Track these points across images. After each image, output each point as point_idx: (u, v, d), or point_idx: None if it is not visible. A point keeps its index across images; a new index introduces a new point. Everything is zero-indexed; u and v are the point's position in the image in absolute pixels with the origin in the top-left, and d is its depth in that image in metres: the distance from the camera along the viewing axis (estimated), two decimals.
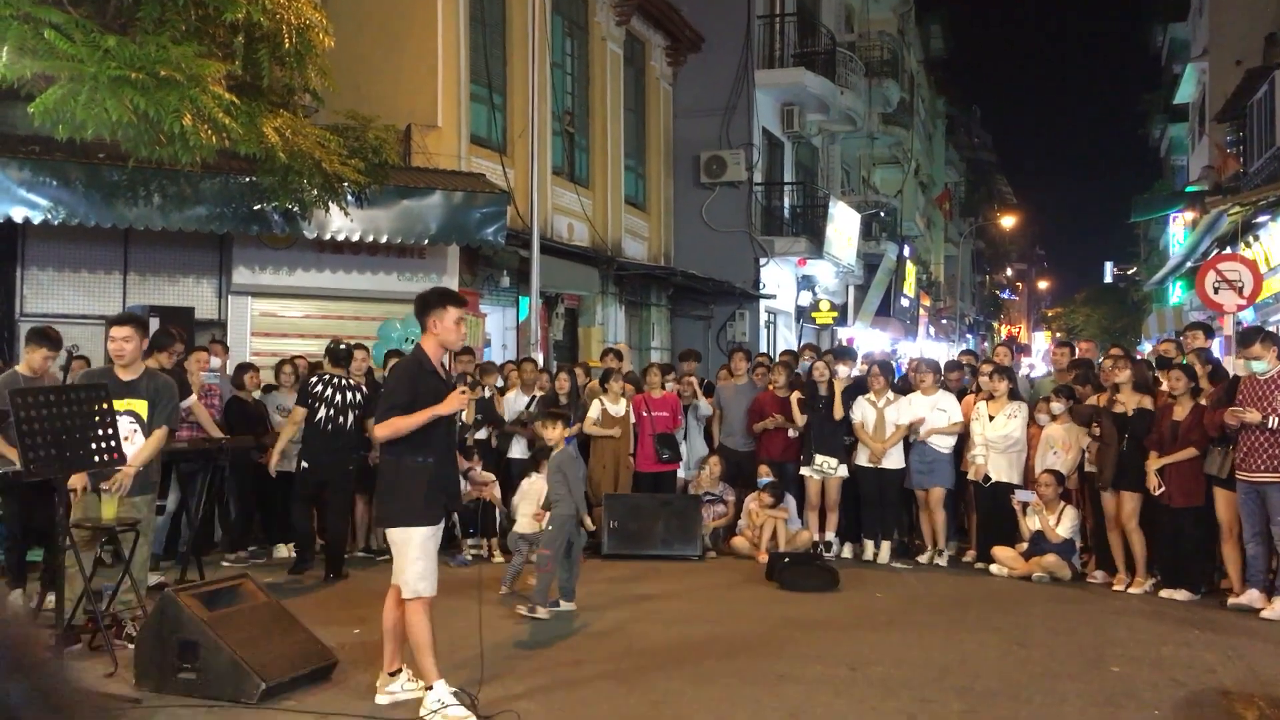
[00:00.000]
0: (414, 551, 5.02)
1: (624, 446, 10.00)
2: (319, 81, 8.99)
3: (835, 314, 23.72)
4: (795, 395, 9.85)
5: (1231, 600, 7.60)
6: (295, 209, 9.93)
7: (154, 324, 8.21)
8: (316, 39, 8.62)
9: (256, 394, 9.51)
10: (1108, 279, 56.79)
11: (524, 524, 8.07)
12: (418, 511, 5.04)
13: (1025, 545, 8.78)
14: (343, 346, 8.85)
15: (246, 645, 5.23)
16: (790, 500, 9.73)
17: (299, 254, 11.49)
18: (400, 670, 5.31)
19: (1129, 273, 49.97)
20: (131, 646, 5.66)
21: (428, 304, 5.30)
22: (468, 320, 12.54)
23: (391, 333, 11.59)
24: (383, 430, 5.08)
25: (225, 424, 9.00)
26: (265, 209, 10.17)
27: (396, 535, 5.09)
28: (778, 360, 11.23)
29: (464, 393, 5.24)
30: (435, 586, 5.09)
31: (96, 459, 4.94)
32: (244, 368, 9.40)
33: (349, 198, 9.96)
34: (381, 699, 5.21)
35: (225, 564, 8.68)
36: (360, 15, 11.87)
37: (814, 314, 23.27)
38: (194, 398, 8.36)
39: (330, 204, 9.67)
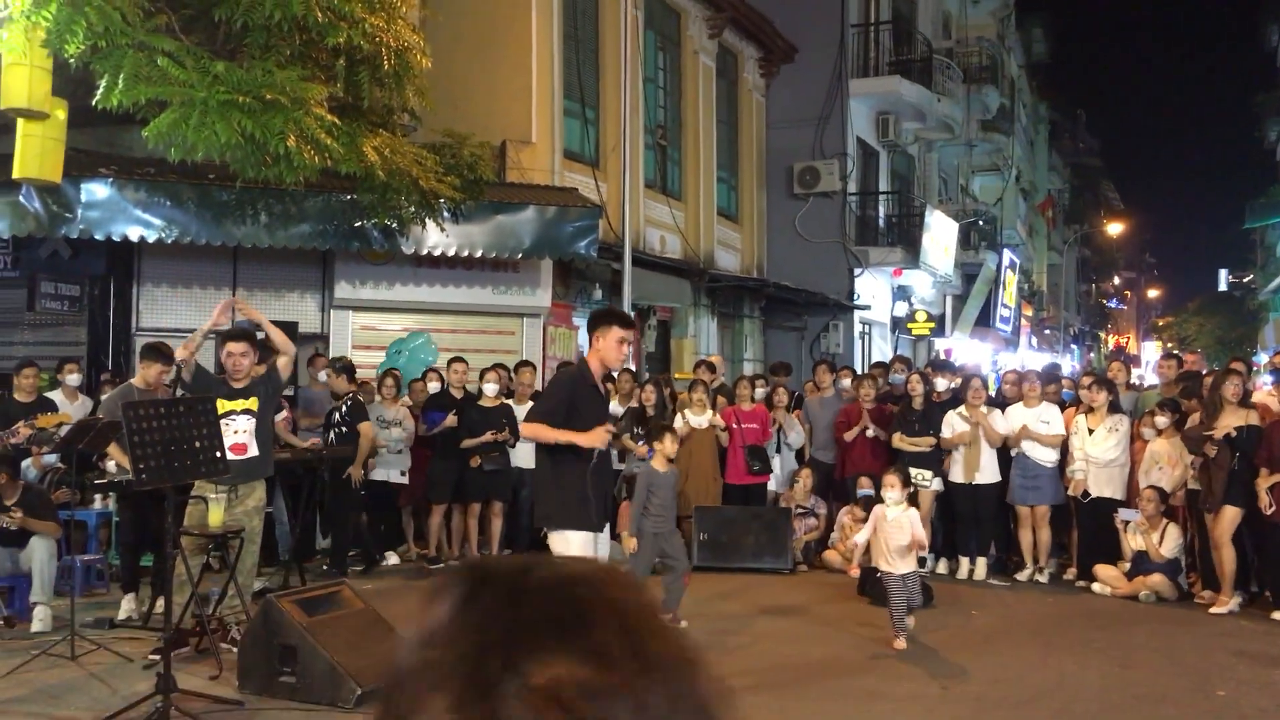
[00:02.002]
0: (574, 552, 5.10)
1: (710, 459, 10.00)
2: (417, 101, 9.23)
3: (932, 325, 23.31)
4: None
5: None
6: (394, 225, 10.20)
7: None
8: (414, 60, 8.85)
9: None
10: (1222, 287, 54.60)
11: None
12: (573, 515, 5.19)
13: (1128, 564, 8.51)
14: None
15: (343, 651, 5.38)
16: None
17: (397, 269, 11.78)
18: None
19: (1245, 280, 47.97)
20: (236, 651, 5.87)
21: (596, 320, 5.51)
22: (563, 333, 12.76)
23: (397, 349, 11.78)
24: (526, 430, 5.37)
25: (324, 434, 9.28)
26: (365, 226, 10.47)
27: (554, 538, 5.26)
28: (866, 373, 11.10)
29: (611, 429, 5.35)
30: None
31: (204, 469, 5.15)
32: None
33: (445, 214, 10.18)
34: None
35: (325, 571, 8.92)
36: (456, 35, 12.13)
37: (910, 325, 22.91)
38: (284, 414, 8.62)
39: (427, 220, 9.91)
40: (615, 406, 10.27)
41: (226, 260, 11.06)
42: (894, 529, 6.73)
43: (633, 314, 13.43)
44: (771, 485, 10.21)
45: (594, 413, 5.33)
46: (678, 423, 10.00)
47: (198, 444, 5.09)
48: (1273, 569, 7.93)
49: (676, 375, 12.02)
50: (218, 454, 5.22)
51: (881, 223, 21.49)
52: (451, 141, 10.26)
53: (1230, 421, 8.00)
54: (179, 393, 6.80)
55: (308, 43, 8.06)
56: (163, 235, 9.97)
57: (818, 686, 5.83)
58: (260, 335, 7.11)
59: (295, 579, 8.08)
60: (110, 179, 9.81)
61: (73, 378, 9.18)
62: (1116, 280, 71.19)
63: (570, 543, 5.13)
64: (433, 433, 9.46)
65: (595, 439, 5.18)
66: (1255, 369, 16.36)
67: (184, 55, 7.40)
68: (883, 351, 21.52)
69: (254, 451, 6.59)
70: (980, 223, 27.87)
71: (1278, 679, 6.09)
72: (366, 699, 5.26)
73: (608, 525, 5.53)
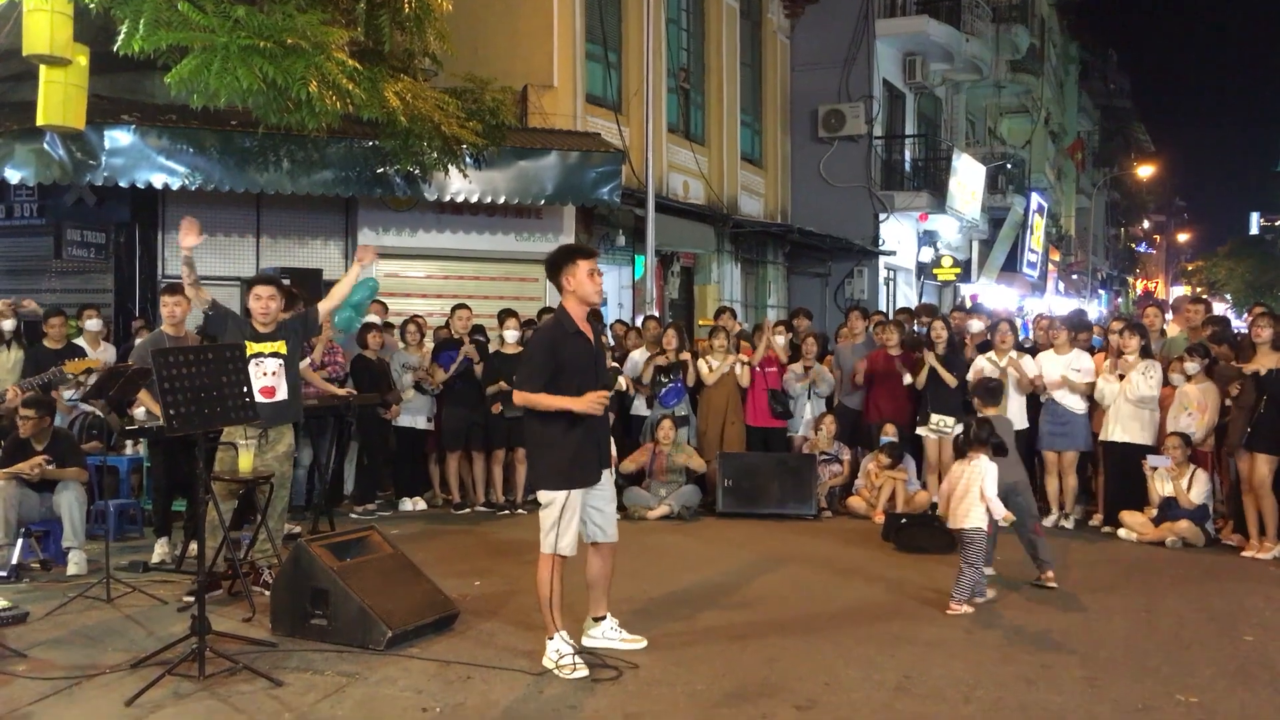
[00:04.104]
0: (556, 513, 5.10)
1: (732, 403, 10.00)
2: (438, 45, 9.15)
3: (958, 270, 23.12)
4: (930, 354, 9.52)
5: None
6: (416, 172, 10.17)
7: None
8: (435, 3, 8.77)
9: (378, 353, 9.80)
10: (1253, 230, 53.85)
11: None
12: (564, 474, 5.11)
13: (1155, 510, 8.47)
14: None
15: (373, 594, 5.45)
16: (910, 461, 9.60)
17: (420, 216, 11.77)
18: (605, 617, 5.49)
19: (1277, 224, 47.24)
20: (268, 594, 5.96)
21: (557, 264, 5.29)
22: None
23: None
24: (519, 399, 5.14)
25: (352, 381, 9.33)
26: (388, 172, 10.44)
27: (543, 496, 5.19)
28: (891, 319, 11.03)
29: (605, 397, 5.16)
30: (574, 547, 5.17)
31: (233, 415, 5.18)
32: (367, 327, 9.70)
33: (467, 160, 10.14)
34: (586, 641, 5.39)
35: (354, 516, 9.03)
36: None
37: (935, 270, 22.73)
38: (309, 359, 8.66)
39: (449, 166, 9.86)
40: (639, 353, 10.28)
41: (250, 207, 11.07)
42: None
43: (655, 260, 13.36)
44: (800, 431, 10.20)
45: (583, 363, 5.16)
46: (701, 369, 10.02)
47: (227, 390, 5.11)
48: None
49: (700, 322, 11.97)
50: (247, 400, 5.24)
51: (907, 167, 21.25)
52: (473, 86, 10.18)
53: (1264, 363, 7.91)
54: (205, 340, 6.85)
55: None
56: (186, 182, 9.98)
57: (843, 631, 5.86)
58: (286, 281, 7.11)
59: (325, 525, 8.17)
60: (133, 126, 9.81)
61: (92, 323, 9.23)
62: (1146, 224, 70.21)
63: (555, 501, 5.09)
64: (451, 372, 9.46)
65: (588, 405, 5.03)
66: None
67: (204, 0, 7.34)
68: (908, 298, 21.38)
69: (283, 395, 6.62)
70: (1008, 166, 27.48)
71: None
72: (396, 641, 5.34)
73: (610, 474, 5.45)
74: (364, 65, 8.17)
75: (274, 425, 6.54)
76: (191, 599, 5.70)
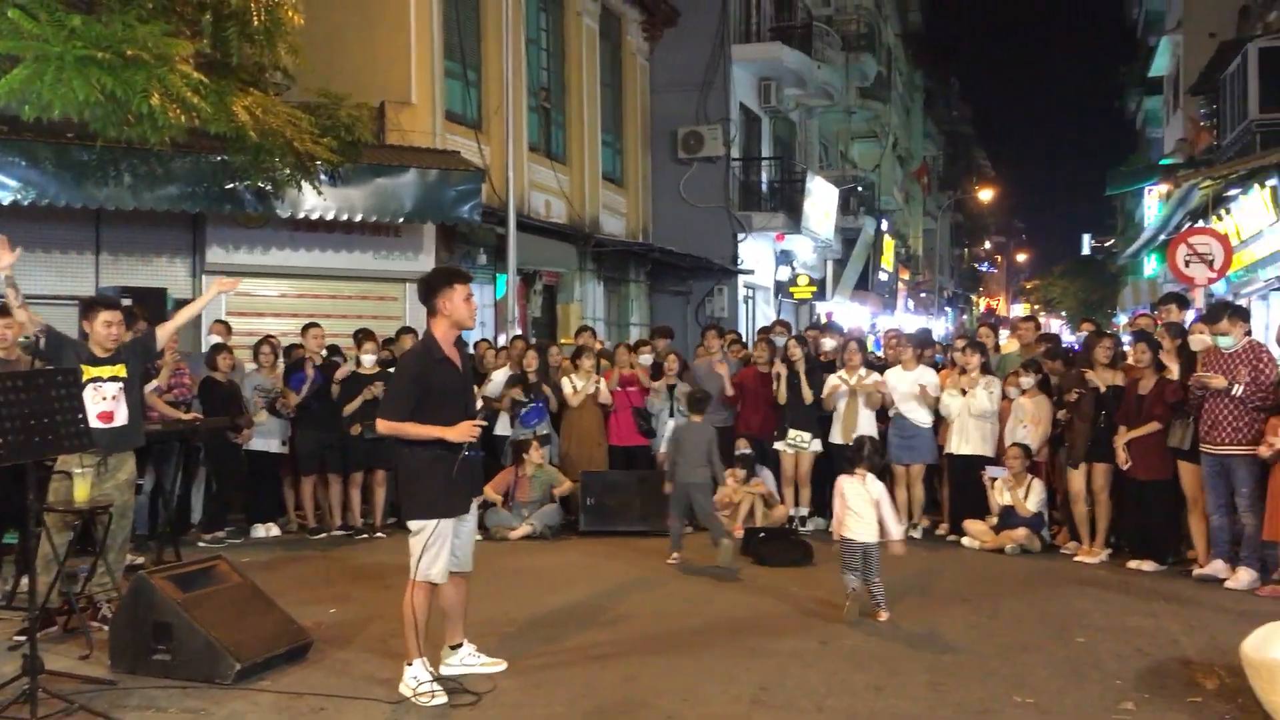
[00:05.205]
0: (427, 539, 5.03)
1: (595, 423, 10.07)
2: (290, 59, 8.95)
3: (814, 288, 23.81)
4: (781, 369, 9.78)
5: (1196, 571, 7.73)
6: (268, 188, 9.90)
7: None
8: (286, 16, 8.58)
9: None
10: (1085, 251, 57.03)
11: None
12: (437, 504, 5.03)
13: (995, 519, 8.89)
14: None
15: (220, 626, 5.26)
16: (768, 474, 9.80)
17: (273, 233, 11.45)
18: (462, 644, 5.41)
19: (1106, 245, 50.20)
20: (107, 629, 5.68)
21: (433, 286, 5.12)
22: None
23: None
24: (383, 429, 5.02)
25: (201, 405, 9.01)
26: (238, 188, 10.13)
27: (413, 525, 5.10)
28: (758, 337, 11.27)
29: (479, 425, 5.08)
30: (446, 574, 5.11)
31: (66, 443, 4.94)
32: (217, 348, 9.38)
33: (322, 176, 9.93)
34: (445, 669, 5.27)
35: (201, 544, 8.70)
36: None
37: (792, 289, 23.34)
38: (153, 384, 8.34)
39: (303, 183, 9.63)
40: (501, 374, 10.22)
41: (89, 223, 10.57)
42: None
43: (518, 279, 13.33)
44: (663, 448, 10.29)
45: (452, 389, 5.08)
46: (565, 388, 10.04)
47: (60, 417, 4.86)
48: (1129, 522, 8.39)
49: (562, 340, 11.99)
50: (82, 427, 5.00)
51: (764, 188, 21.78)
52: (327, 102, 9.98)
53: (1103, 379, 8.40)
54: (38, 363, 6.50)
55: None
56: (18, 197, 9.47)
57: (702, 646, 5.95)
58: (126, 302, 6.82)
59: (171, 554, 7.83)
60: None
61: None
62: (987, 245, 73.77)
63: (426, 529, 5.03)
64: (304, 394, 9.24)
65: (462, 435, 4.96)
66: (1113, 329, 17.20)
67: (37, 8, 7.02)
68: (766, 316, 21.88)
69: (122, 420, 6.34)
70: (859, 188, 28.49)
71: (1132, 625, 6.45)
72: (246, 673, 5.16)
73: (477, 503, 5.42)
74: (211, 78, 7.92)
75: (113, 452, 6.26)
76: (23, 637, 5.38)
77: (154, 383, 8.37)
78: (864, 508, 6.63)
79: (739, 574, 7.80)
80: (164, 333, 6.65)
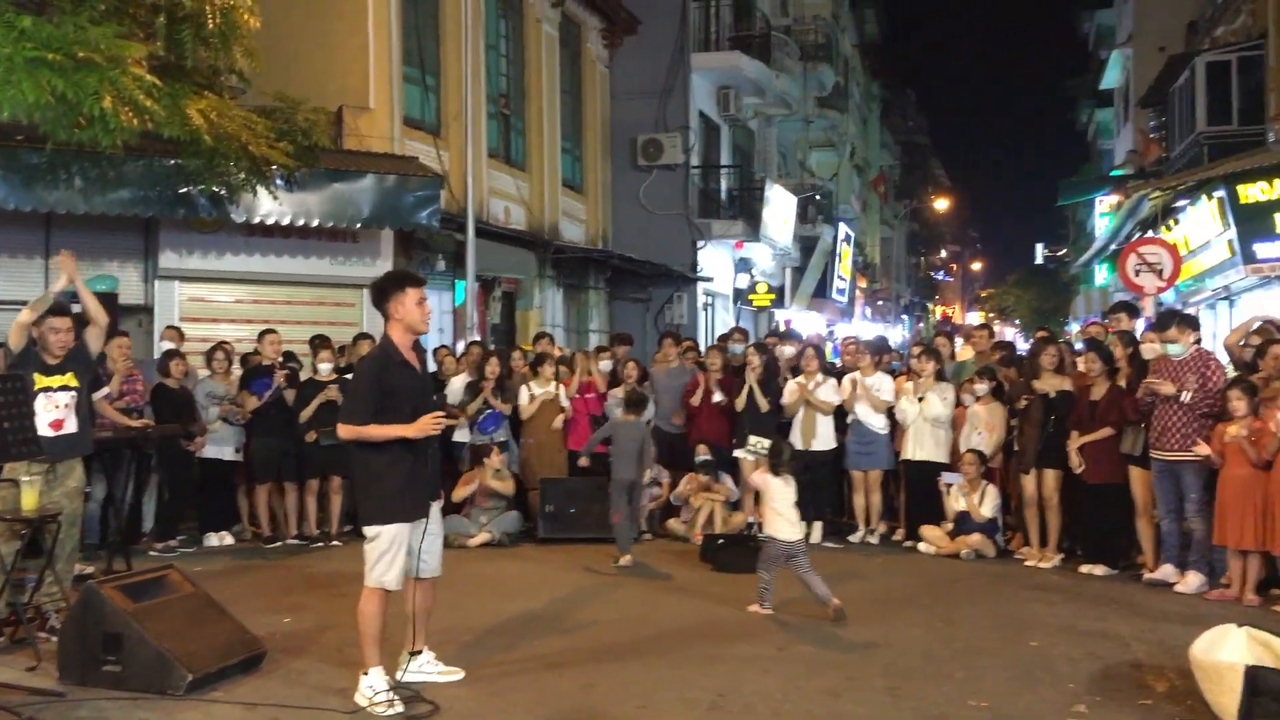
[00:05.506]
0: (383, 546, 5.00)
1: (554, 431, 10.05)
2: (245, 63, 8.84)
3: (772, 296, 23.91)
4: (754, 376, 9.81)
5: (1147, 575, 7.86)
6: (222, 192, 9.78)
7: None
8: (241, 19, 8.48)
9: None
10: (1038, 260, 57.87)
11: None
12: (391, 509, 5.00)
13: (951, 525, 8.98)
14: None
15: (172, 637, 5.18)
16: (729, 481, 9.83)
17: (228, 238, 11.32)
18: (421, 651, 5.36)
19: (1059, 254, 50.99)
20: (55, 640, 5.58)
21: (385, 291, 5.14)
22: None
23: None
24: (345, 434, 4.99)
25: (153, 412, 8.88)
26: (192, 192, 10.00)
27: (369, 530, 5.06)
28: (713, 345, 11.31)
29: (439, 418, 5.04)
30: (400, 581, 5.08)
31: (14, 450, 4.85)
32: (169, 355, 9.25)
33: (277, 181, 9.82)
34: (402, 676, 5.21)
35: (153, 554, 8.56)
36: None
37: (751, 296, 23.44)
38: (104, 391, 8.22)
39: (259, 187, 9.53)
40: (460, 380, 10.17)
41: (39, 227, 10.38)
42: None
43: (476, 285, 13.26)
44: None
45: (411, 391, 5.08)
46: (522, 397, 10.01)
47: (6, 425, 4.77)
48: (1081, 527, 8.51)
49: (522, 346, 11.94)
50: (30, 435, 4.91)
51: (723, 196, 21.87)
52: (284, 106, 9.89)
53: (1051, 385, 8.52)
54: None
55: None
56: None
57: (660, 653, 5.95)
58: (76, 308, 6.71)
59: (121, 563, 7.70)
60: None
61: None
62: (943, 253, 74.59)
63: (381, 534, 5.00)
64: (265, 399, 9.14)
65: (422, 429, 4.95)
66: (1065, 337, 17.44)
67: None
68: (725, 323, 21.96)
69: (72, 428, 6.25)
70: (817, 197, 28.70)
71: (1084, 629, 6.54)
72: (198, 684, 5.09)
73: (438, 506, 5.38)
74: (164, 81, 7.80)
75: (62, 460, 6.16)
76: None
77: (105, 389, 8.24)
78: (788, 509, 6.88)
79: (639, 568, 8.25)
80: (96, 337, 6.55)
